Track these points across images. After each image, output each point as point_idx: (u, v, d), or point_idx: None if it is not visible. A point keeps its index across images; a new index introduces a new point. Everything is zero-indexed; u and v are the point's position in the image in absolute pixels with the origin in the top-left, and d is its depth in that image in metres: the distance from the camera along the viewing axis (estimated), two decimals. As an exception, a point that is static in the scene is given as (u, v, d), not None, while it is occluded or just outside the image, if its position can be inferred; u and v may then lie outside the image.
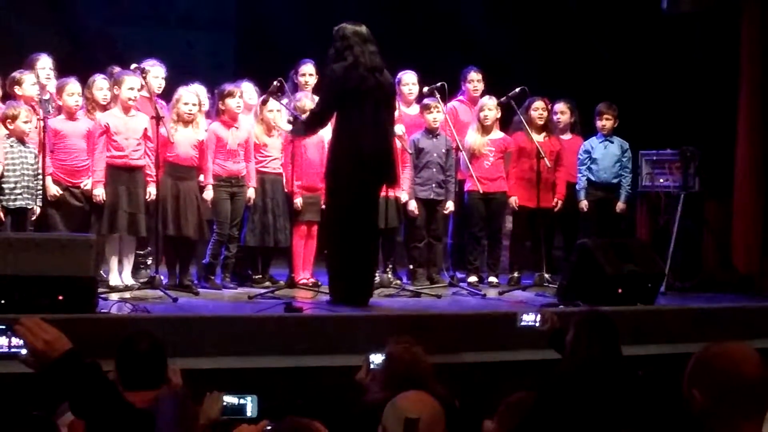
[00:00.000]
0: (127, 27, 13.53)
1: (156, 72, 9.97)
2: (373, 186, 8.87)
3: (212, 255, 9.84)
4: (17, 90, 9.34)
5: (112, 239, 9.44)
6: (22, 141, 9.05)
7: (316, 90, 10.13)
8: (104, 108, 9.56)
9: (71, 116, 9.37)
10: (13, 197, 8.96)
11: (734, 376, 3.11)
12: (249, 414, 4.48)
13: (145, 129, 9.48)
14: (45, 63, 9.79)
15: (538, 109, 10.75)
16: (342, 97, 8.71)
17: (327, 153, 9.09)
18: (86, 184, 9.36)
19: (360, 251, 8.70)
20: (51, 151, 9.19)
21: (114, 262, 9.49)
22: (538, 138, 10.50)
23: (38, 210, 9.14)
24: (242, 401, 4.52)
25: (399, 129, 10.22)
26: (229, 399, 4.52)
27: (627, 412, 3.26)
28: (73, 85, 9.39)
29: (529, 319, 6.45)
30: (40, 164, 9.10)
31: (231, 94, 9.74)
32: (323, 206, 9.49)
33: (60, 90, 9.41)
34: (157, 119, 9.11)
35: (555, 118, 11.09)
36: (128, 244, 9.59)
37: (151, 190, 9.46)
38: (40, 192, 9.14)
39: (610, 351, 5.72)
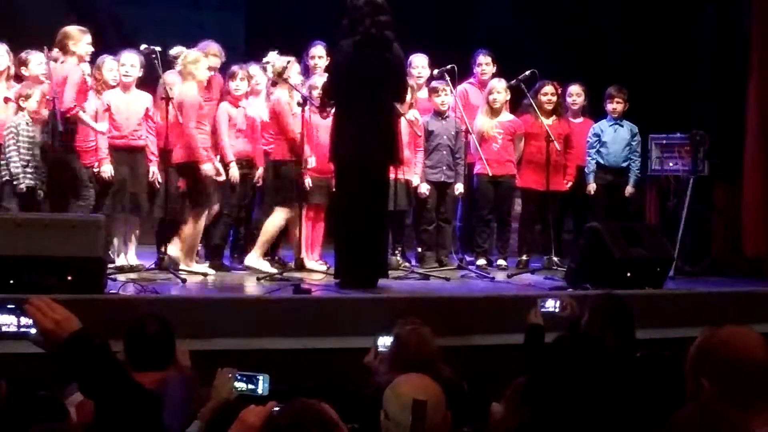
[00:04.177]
0: (137, 7, 13.50)
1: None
2: (378, 167, 8.84)
3: (221, 236, 9.85)
4: (23, 70, 9.36)
5: (116, 219, 9.45)
6: (33, 120, 9.06)
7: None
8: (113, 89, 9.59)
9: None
10: (23, 176, 8.96)
11: (743, 362, 3.11)
12: (260, 392, 4.48)
13: (147, 109, 9.50)
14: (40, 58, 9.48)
15: (547, 93, 10.75)
16: (348, 75, 8.63)
17: (330, 134, 8.98)
18: (97, 170, 9.37)
19: (369, 234, 8.69)
20: (60, 131, 9.20)
21: (119, 242, 9.51)
22: (547, 121, 10.51)
23: (41, 193, 9.14)
24: (252, 384, 4.51)
25: (413, 114, 10.20)
26: (240, 384, 4.51)
27: (623, 393, 3.25)
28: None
29: (551, 305, 6.42)
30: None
31: (231, 76, 9.77)
32: (333, 189, 9.47)
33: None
34: (167, 101, 9.08)
35: (570, 100, 11.14)
36: (132, 224, 9.61)
37: (154, 170, 9.49)
38: (44, 173, 9.11)
39: (624, 335, 5.72)
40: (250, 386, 4.50)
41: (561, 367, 3.21)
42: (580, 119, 11.22)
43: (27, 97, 9.00)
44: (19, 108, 9.03)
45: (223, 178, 9.48)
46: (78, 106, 9.03)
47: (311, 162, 9.60)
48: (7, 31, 9.90)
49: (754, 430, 3.09)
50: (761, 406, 3.14)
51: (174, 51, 9.60)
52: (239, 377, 4.52)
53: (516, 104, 11.00)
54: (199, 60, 9.31)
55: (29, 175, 8.96)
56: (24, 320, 3.18)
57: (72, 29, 9.23)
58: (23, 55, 9.41)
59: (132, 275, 8.95)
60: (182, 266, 9.15)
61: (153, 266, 9.23)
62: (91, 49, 9.31)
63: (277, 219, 9.63)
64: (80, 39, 9.18)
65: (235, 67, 9.89)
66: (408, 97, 9.86)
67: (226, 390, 4.50)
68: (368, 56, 8.57)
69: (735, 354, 3.13)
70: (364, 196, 8.64)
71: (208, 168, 9.22)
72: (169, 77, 9.47)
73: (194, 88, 9.25)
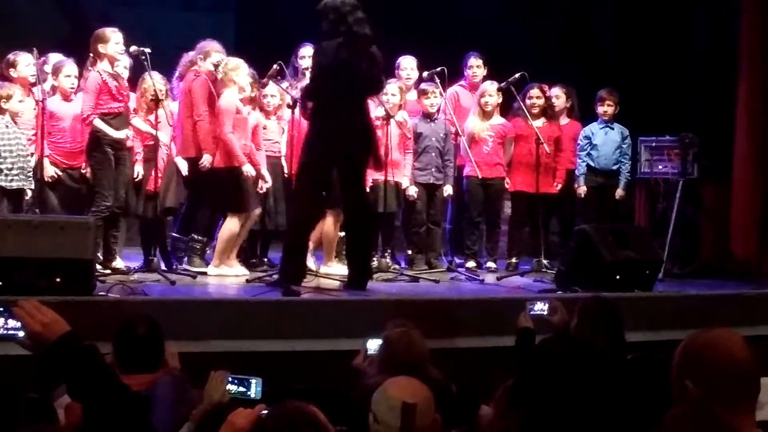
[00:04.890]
0: (128, 8, 13.49)
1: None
2: (354, 168, 8.80)
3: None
4: (12, 72, 9.31)
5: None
6: (15, 122, 9.02)
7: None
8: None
9: (66, 98, 9.35)
10: (10, 178, 8.93)
11: (727, 364, 3.12)
12: (253, 395, 4.46)
13: (135, 110, 9.49)
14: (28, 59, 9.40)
15: (533, 96, 10.76)
16: (335, 75, 8.54)
17: (305, 134, 8.86)
18: (87, 171, 9.33)
19: (355, 235, 8.71)
20: (48, 132, 9.17)
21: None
22: (537, 124, 10.52)
23: (29, 193, 9.11)
24: (245, 387, 4.49)
25: (402, 116, 10.19)
26: (232, 387, 4.50)
27: (613, 396, 3.26)
28: (69, 66, 9.35)
29: (539, 308, 6.43)
30: (34, 146, 9.09)
31: None
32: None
33: (56, 71, 9.38)
34: (156, 101, 9.08)
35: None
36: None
37: (139, 169, 9.48)
38: (30, 174, 9.09)
39: (613, 337, 5.72)
40: (243, 389, 4.48)
41: (549, 369, 3.21)
42: (565, 121, 11.20)
43: (8, 97, 8.95)
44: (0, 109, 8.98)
45: (269, 185, 9.62)
46: (93, 114, 8.96)
47: None
48: (1, 33, 9.87)
49: (741, 431, 3.10)
50: (746, 406, 3.15)
51: (214, 59, 9.54)
52: (232, 380, 4.50)
53: (506, 107, 11.00)
54: (239, 66, 9.40)
55: (15, 177, 8.93)
56: (12, 322, 3.17)
57: (104, 31, 9.17)
58: (11, 56, 9.33)
59: (120, 277, 8.92)
60: (216, 270, 9.35)
61: (140, 267, 9.26)
62: (121, 48, 9.21)
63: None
64: (110, 39, 9.13)
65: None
66: (397, 98, 9.90)
67: (219, 393, 4.49)
68: (354, 54, 8.53)
69: (718, 356, 3.14)
70: (345, 197, 8.67)
71: (247, 169, 9.31)
72: (156, 78, 9.43)
73: (234, 94, 9.36)
